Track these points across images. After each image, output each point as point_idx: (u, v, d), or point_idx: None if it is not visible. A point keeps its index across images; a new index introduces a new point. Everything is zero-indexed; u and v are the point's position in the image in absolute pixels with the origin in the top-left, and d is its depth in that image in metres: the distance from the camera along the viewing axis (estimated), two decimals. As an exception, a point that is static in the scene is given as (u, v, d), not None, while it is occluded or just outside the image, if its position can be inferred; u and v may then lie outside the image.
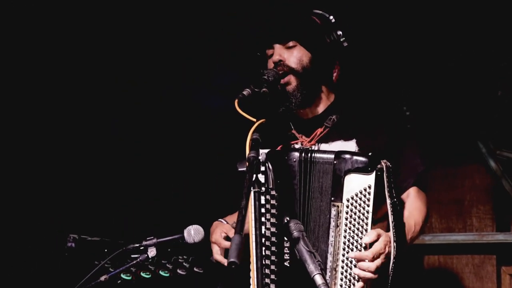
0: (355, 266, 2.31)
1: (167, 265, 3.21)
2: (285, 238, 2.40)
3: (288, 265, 2.38)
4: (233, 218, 2.74)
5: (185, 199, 4.12)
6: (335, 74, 2.70)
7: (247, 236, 2.38)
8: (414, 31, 3.80)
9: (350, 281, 2.31)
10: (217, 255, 2.66)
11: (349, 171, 2.35)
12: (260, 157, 2.20)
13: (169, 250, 3.28)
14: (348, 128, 2.60)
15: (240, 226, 1.93)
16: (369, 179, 2.32)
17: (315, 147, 2.60)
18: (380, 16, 3.79)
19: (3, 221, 3.63)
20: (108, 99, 4.16)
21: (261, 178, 2.34)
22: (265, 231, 2.44)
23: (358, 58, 2.97)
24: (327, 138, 2.61)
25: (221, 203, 2.83)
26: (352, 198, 2.33)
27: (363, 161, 2.33)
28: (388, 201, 2.31)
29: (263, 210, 2.44)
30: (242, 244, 1.92)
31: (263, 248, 2.43)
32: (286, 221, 2.36)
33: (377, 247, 2.26)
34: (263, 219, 2.44)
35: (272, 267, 2.42)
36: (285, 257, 2.43)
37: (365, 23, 3.64)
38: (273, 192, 2.37)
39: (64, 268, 3.11)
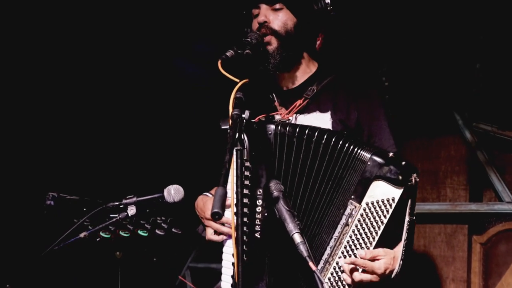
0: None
1: (146, 225, 3.26)
2: (258, 210, 2.37)
3: (259, 236, 2.36)
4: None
5: (166, 159, 4.12)
6: (318, 42, 2.68)
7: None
8: (394, 3, 3.80)
9: (339, 279, 2.30)
10: (212, 235, 2.61)
11: (379, 177, 2.27)
12: (244, 115, 2.18)
13: (148, 211, 3.29)
14: (326, 100, 2.59)
15: (223, 179, 1.95)
16: (396, 193, 2.25)
17: (292, 119, 2.57)
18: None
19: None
20: (91, 63, 4.14)
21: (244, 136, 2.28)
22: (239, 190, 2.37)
23: (342, 28, 2.97)
24: (305, 109, 2.59)
25: (203, 163, 2.83)
26: (372, 203, 2.28)
27: (397, 173, 2.25)
28: (407, 219, 2.27)
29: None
30: (225, 196, 1.94)
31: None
32: (259, 192, 2.37)
33: (374, 265, 2.26)
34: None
35: (244, 237, 2.39)
36: (256, 228, 2.41)
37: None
38: (247, 164, 2.34)
39: (43, 226, 3.13)
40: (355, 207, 2.29)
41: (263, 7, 2.58)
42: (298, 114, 2.59)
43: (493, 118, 3.71)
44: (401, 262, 2.28)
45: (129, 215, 2.84)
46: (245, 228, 2.39)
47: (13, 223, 3.60)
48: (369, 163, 2.28)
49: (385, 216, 2.26)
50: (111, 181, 3.83)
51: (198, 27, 4.18)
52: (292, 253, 2.16)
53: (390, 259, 2.28)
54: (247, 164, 2.33)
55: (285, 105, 2.63)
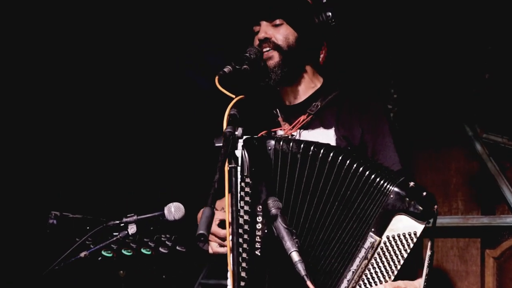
0: None
1: (149, 243, 3.28)
2: (257, 227, 2.36)
3: (259, 254, 2.35)
4: (221, 203, 2.61)
5: (167, 177, 4.13)
6: (322, 56, 2.67)
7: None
8: (402, 15, 3.81)
9: None
10: (217, 248, 2.60)
11: (402, 211, 2.24)
12: (237, 133, 2.17)
13: (151, 228, 3.30)
14: (330, 116, 2.58)
15: (211, 199, 1.94)
16: (418, 227, 2.23)
17: (296, 135, 2.57)
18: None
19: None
20: (94, 75, 4.13)
21: (238, 153, 2.28)
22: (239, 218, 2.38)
23: (346, 41, 2.96)
24: (308, 125, 2.58)
25: (202, 180, 2.82)
26: (393, 237, 2.26)
27: (421, 209, 2.22)
28: (428, 253, 2.23)
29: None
30: (212, 217, 1.92)
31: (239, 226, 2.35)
32: (259, 209, 2.35)
33: None
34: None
35: (244, 255, 2.39)
36: (256, 246, 2.40)
37: (354, 5, 3.63)
38: (247, 180, 2.33)
39: (46, 245, 3.12)
40: (375, 240, 2.27)
41: (263, 23, 2.59)
42: (302, 130, 2.58)
43: (504, 129, 3.71)
44: None
45: (130, 233, 2.83)
46: (245, 246, 2.39)
47: (16, 242, 3.63)
48: (391, 196, 2.25)
49: (405, 251, 2.24)
50: (115, 199, 3.84)
51: (206, 38, 4.23)
52: (293, 271, 2.14)
53: None
54: (248, 180, 2.33)
55: (289, 121, 2.63)
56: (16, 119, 3.82)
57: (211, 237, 2.57)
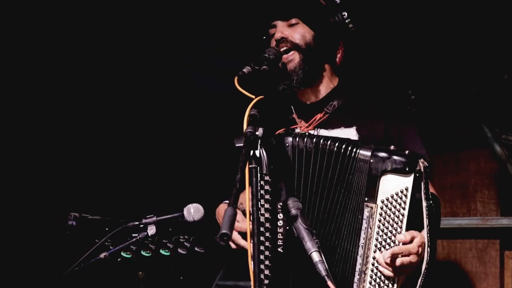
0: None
1: (168, 244, 3.31)
2: (279, 224, 2.38)
3: (282, 250, 2.36)
4: (240, 199, 2.66)
5: (186, 177, 4.15)
6: (338, 55, 2.70)
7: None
8: (420, 15, 3.80)
9: (379, 284, 2.30)
10: (239, 240, 2.61)
11: (386, 172, 2.29)
12: (257, 133, 2.20)
13: (170, 229, 3.33)
14: (349, 115, 2.59)
15: (233, 199, 1.97)
16: (407, 181, 2.27)
17: (314, 133, 2.59)
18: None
19: (5, 201, 3.68)
20: (108, 79, 4.15)
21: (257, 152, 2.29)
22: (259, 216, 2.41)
23: (363, 41, 2.97)
24: (327, 124, 2.60)
25: (221, 181, 2.84)
26: (387, 199, 2.29)
27: (402, 162, 2.28)
28: (424, 204, 2.28)
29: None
30: (234, 216, 1.94)
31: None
32: (279, 206, 2.37)
33: (409, 247, 2.24)
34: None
35: (266, 252, 2.41)
36: (278, 243, 2.41)
37: (371, 6, 3.64)
38: (266, 178, 2.36)
39: (65, 246, 3.15)
40: (372, 208, 2.31)
41: (279, 24, 2.62)
42: (319, 128, 2.60)
43: None
44: (428, 250, 2.27)
45: (149, 234, 2.85)
46: (267, 243, 2.42)
47: (36, 243, 3.65)
48: (371, 160, 2.30)
49: (404, 208, 2.27)
50: (133, 200, 3.87)
51: (219, 41, 4.21)
52: (314, 270, 2.17)
53: (421, 237, 2.29)
54: (267, 178, 2.36)
55: (305, 118, 2.66)
56: (35, 122, 3.86)
57: (234, 233, 2.58)
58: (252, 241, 2.11)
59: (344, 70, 2.74)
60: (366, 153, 2.31)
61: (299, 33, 2.59)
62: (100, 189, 3.97)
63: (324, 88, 2.67)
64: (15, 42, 3.74)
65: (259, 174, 2.35)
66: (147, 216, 2.86)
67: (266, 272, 2.40)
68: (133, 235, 2.96)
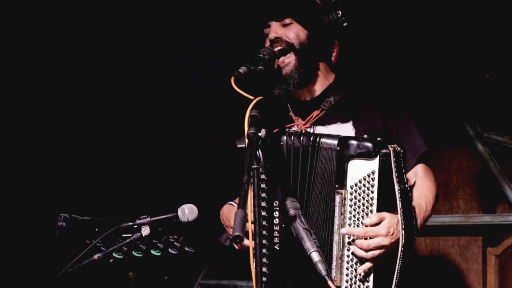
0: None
1: (159, 244, 3.34)
2: (275, 222, 2.40)
3: (278, 248, 2.38)
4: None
5: (179, 178, 4.15)
6: (334, 54, 2.70)
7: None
8: (403, 15, 3.85)
9: (356, 270, 2.32)
10: (245, 241, 2.58)
11: (352, 157, 2.33)
12: (260, 134, 2.20)
13: (160, 230, 3.33)
14: (345, 111, 2.60)
15: (243, 200, 1.96)
16: (373, 165, 2.30)
17: (310, 130, 2.59)
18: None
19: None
20: (104, 79, 4.15)
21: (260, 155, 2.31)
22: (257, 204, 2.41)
23: (357, 39, 2.99)
24: (324, 120, 2.61)
25: (218, 181, 2.86)
26: (356, 185, 2.33)
27: (366, 146, 2.32)
28: (396, 187, 2.30)
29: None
30: (245, 218, 1.95)
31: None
32: (275, 204, 2.39)
33: (374, 229, 2.27)
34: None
35: (264, 250, 2.41)
36: (275, 241, 2.43)
37: (356, 5, 3.66)
38: (263, 176, 2.36)
39: (55, 248, 3.18)
40: (342, 194, 2.34)
41: (273, 24, 2.61)
42: (316, 126, 2.62)
43: (505, 128, 3.76)
44: (403, 232, 2.29)
45: (143, 235, 2.79)
46: (264, 241, 2.42)
47: (25, 245, 3.63)
48: (338, 147, 2.35)
49: (372, 192, 2.31)
50: (122, 201, 3.86)
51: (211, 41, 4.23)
52: (311, 265, 2.21)
53: (392, 219, 2.31)
54: (263, 176, 2.37)
55: (302, 116, 2.67)
56: (23, 122, 3.87)
57: (229, 229, 2.66)
58: (254, 242, 2.13)
59: (340, 66, 2.75)
60: (333, 141, 2.38)
61: (293, 32, 2.58)
62: (90, 189, 3.98)
63: (320, 86, 2.67)
64: (8, 41, 3.71)
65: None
66: (141, 217, 2.79)
67: (264, 269, 2.41)
68: (123, 235, 2.94)
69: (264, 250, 2.41)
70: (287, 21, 2.59)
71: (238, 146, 2.46)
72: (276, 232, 2.40)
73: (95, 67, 4.10)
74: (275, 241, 2.43)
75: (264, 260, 2.42)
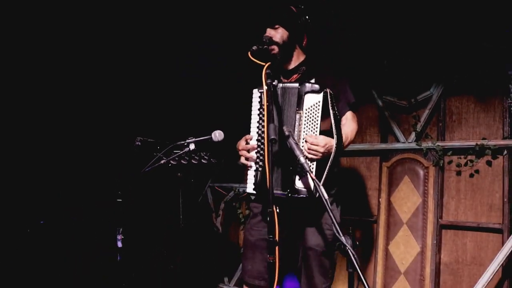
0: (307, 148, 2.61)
1: (195, 156, 3.40)
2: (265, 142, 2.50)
3: (268, 155, 2.48)
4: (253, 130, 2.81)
5: (213, 115, 4.38)
6: (304, 42, 2.95)
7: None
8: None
9: (305, 161, 2.45)
10: (243, 160, 2.79)
11: (307, 92, 2.61)
12: (274, 83, 2.52)
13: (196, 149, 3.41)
14: (311, 74, 2.89)
15: (271, 119, 2.34)
16: (319, 97, 2.60)
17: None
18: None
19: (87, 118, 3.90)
20: (112, 59, 4.04)
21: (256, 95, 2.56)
22: (259, 132, 2.71)
23: (317, 32, 3.05)
24: (299, 80, 2.82)
25: (236, 117, 2.97)
26: (309, 108, 2.61)
27: (315, 86, 2.61)
28: (331, 112, 2.61)
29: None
30: (276, 128, 2.35)
31: (258, 143, 2.72)
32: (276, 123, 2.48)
33: (314, 141, 2.54)
34: (260, 125, 2.69)
35: (261, 157, 2.70)
36: (261, 152, 2.71)
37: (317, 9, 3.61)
38: (267, 104, 2.54)
39: (134, 158, 3.27)
40: (300, 113, 2.62)
41: (268, 28, 2.91)
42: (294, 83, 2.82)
43: (394, 92, 3.94)
44: (335, 137, 2.57)
45: (190, 149, 3.14)
46: (261, 153, 2.66)
47: (116, 159, 3.90)
48: (299, 87, 2.65)
49: (318, 112, 2.59)
50: (177, 128, 3.90)
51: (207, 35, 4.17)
52: (290, 159, 2.44)
53: (329, 140, 2.56)
54: (267, 104, 2.54)
55: (287, 78, 2.96)
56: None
57: (242, 152, 2.79)
58: (267, 150, 2.36)
59: (308, 49, 2.93)
60: (296, 85, 2.64)
61: (280, 33, 2.85)
62: (155, 121, 4.12)
63: (295, 61, 2.96)
64: (10, 42, 3.52)
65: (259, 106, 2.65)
66: (188, 138, 3.13)
67: (260, 169, 2.68)
68: (175, 151, 3.19)
69: (261, 157, 2.66)
70: (276, 26, 2.86)
71: (259, 91, 2.74)
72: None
73: (97, 66, 3.97)
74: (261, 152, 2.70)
75: (261, 163, 2.66)
